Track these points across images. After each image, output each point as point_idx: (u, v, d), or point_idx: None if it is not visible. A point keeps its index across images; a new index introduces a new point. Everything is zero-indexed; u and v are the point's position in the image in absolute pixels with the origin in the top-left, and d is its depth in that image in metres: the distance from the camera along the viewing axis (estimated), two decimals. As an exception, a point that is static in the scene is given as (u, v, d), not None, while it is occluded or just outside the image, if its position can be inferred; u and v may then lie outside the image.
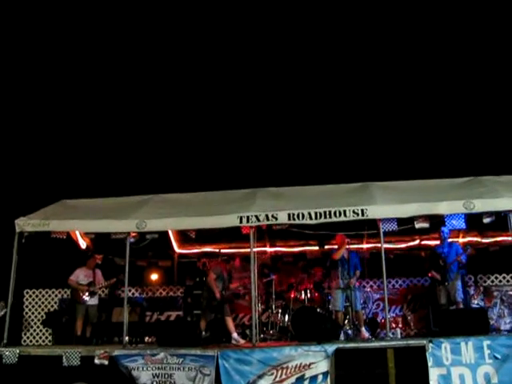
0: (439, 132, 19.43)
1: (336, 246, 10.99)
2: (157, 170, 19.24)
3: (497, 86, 19.24)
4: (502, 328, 11.39)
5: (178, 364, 8.91)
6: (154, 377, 8.91)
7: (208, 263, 12.64)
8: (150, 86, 21.49)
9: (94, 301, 11.28)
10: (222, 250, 12.50)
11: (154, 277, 13.81)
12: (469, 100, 19.37)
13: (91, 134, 20.13)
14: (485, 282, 12.24)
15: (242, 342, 10.35)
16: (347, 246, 10.83)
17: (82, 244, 11.47)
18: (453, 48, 20.40)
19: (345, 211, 9.68)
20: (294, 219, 9.77)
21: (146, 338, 11.65)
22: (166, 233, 11.90)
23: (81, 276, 11.30)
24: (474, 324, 9.15)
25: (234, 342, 10.31)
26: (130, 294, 12.37)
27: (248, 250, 10.16)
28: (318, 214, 9.73)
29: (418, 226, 9.96)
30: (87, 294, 11.15)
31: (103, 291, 12.18)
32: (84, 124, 20.26)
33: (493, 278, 12.29)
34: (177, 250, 13.07)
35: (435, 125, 19.53)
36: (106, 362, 9.13)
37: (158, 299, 12.93)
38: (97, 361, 9.16)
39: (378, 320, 11.78)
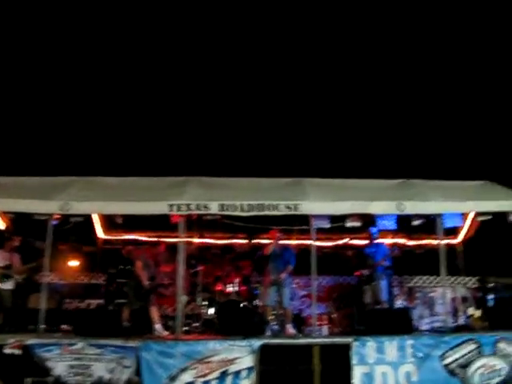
0: (371, 133, 19.67)
1: (268, 241, 10.85)
2: (86, 152, 18.55)
3: (430, 92, 19.67)
4: (422, 328, 11.60)
5: (97, 355, 8.53)
6: (70, 368, 8.49)
7: (133, 251, 12.21)
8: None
9: (8, 285, 10.68)
10: (149, 239, 12.10)
11: (76, 262, 13.26)
12: (403, 105, 19.71)
13: (19, 109, 19.21)
14: (409, 282, 12.44)
15: (164, 333, 10.05)
16: (280, 242, 10.70)
17: (1, 225, 10.84)
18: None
19: (278, 205, 9.57)
20: (225, 210, 9.56)
21: (64, 327, 11.12)
22: (91, 217, 11.44)
23: None
24: (398, 323, 9.32)
25: (156, 332, 10.01)
26: (48, 280, 11.86)
27: (175, 239, 9.91)
28: (251, 207, 9.55)
29: (349, 224, 10.01)
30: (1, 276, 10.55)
31: (20, 276, 11.54)
32: (13, 100, 19.30)
33: (416, 279, 12.50)
34: (101, 235, 12.59)
35: (368, 126, 19.77)
36: (19, 352, 8.60)
37: (78, 286, 12.40)
38: (8, 350, 8.61)
39: (303, 316, 11.76)
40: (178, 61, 21.05)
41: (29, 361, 8.60)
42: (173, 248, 10.45)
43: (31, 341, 8.72)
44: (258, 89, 20.71)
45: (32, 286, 11.04)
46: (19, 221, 10.39)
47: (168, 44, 21.27)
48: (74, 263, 13.27)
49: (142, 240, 12.54)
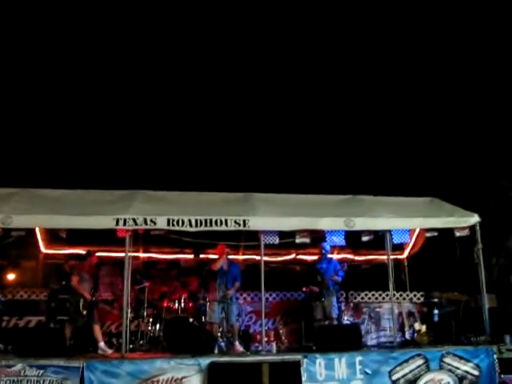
0: (319, 149, 19.80)
1: (214, 256, 10.72)
2: (29, 163, 17.95)
3: (378, 107, 19.96)
4: (369, 343, 11.69)
5: (38, 376, 8.11)
6: (8, 391, 8.10)
7: (76, 265, 11.85)
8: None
9: None
10: (96, 254, 11.73)
11: (14, 277, 12.77)
12: (350, 120, 19.94)
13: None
14: (355, 298, 12.51)
15: (109, 351, 9.77)
16: (227, 257, 10.60)
17: None
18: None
19: (226, 220, 9.44)
20: (173, 225, 9.37)
21: (1, 346, 10.65)
22: (33, 231, 11.05)
23: None
24: (348, 340, 9.34)
25: (100, 351, 9.71)
26: (-15, 296, 11.39)
27: (121, 254, 9.69)
28: (199, 222, 9.40)
29: (298, 240, 9.97)
30: None
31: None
32: None
33: (363, 294, 12.58)
34: (43, 249, 12.17)
35: (315, 141, 19.89)
36: None
37: (17, 302, 11.89)
38: None
39: (250, 333, 11.64)
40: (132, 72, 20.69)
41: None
42: (118, 263, 10.19)
43: (-34, 362, 8.28)
44: (209, 101, 20.60)
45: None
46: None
47: (144, 49, 20.87)
48: (12, 278, 12.77)
49: (84, 254, 12.16)
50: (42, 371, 8.18)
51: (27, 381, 8.14)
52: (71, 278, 10.19)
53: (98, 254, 11.02)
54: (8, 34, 19.16)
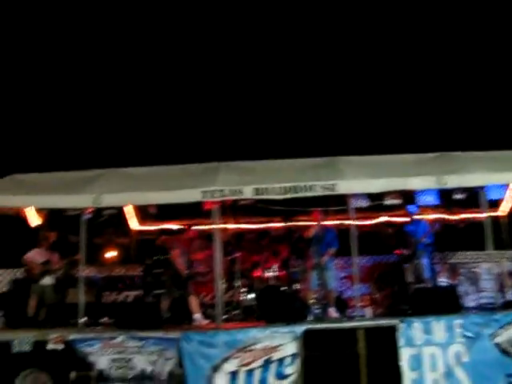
0: (405, 106, 19.09)
1: (304, 223, 10.61)
2: (112, 143, 18.42)
3: (464, 63, 19.03)
4: (468, 305, 11.25)
5: (138, 348, 8.42)
6: (112, 361, 8.42)
7: (168, 240, 12.09)
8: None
9: (49, 281, 10.66)
10: (183, 227, 11.91)
11: (112, 255, 13.17)
12: (436, 76, 19.14)
13: (40, 105, 19.15)
14: (451, 258, 12.10)
15: (204, 322, 9.92)
16: (322, 223, 10.43)
17: (34, 221, 10.77)
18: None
19: (313, 186, 9.26)
20: (260, 194, 9.31)
21: (104, 320, 11.08)
22: (124, 209, 11.34)
23: (36, 255, 10.64)
24: (445, 302, 8.98)
25: (196, 322, 9.88)
26: (86, 274, 11.82)
27: (210, 226, 9.72)
28: (286, 189, 9.29)
29: (388, 202, 9.68)
30: (42, 272, 10.53)
31: (59, 271, 11.54)
32: (29, 95, 19.24)
33: (459, 255, 12.15)
34: (135, 226, 12.48)
35: (400, 99, 19.19)
36: (61, 347, 8.58)
37: (115, 278, 12.38)
38: (50, 346, 8.60)
39: (344, 298, 11.52)
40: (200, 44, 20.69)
41: (72, 355, 8.55)
42: (208, 235, 10.28)
43: (72, 336, 8.69)
44: (284, 66, 20.32)
45: (70, 281, 10.99)
46: (53, 216, 10.34)
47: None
48: (110, 255, 13.18)
49: (175, 229, 12.39)
50: (142, 343, 8.46)
51: (130, 351, 8.46)
52: (171, 251, 10.44)
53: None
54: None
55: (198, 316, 10.00)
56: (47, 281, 10.60)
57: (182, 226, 11.41)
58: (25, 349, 8.72)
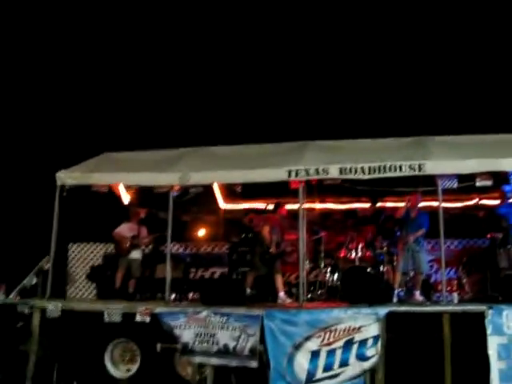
0: (494, 81, 18.12)
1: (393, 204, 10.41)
2: (200, 122, 18.70)
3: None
4: None
5: (222, 323, 8.61)
6: (196, 335, 8.67)
7: (255, 219, 12.20)
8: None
9: (137, 255, 11.06)
10: (269, 206, 11.97)
11: (199, 232, 13.44)
12: None
13: (133, 85, 19.67)
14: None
15: (288, 301, 9.98)
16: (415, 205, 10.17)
17: (125, 198, 11.17)
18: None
19: (401, 166, 9.04)
20: (345, 173, 9.20)
21: (190, 295, 11.39)
22: (211, 187, 11.53)
23: (126, 230, 11.08)
24: (538, 290, 8.56)
25: (280, 300, 9.95)
26: (173, 250, 12.14)
27: (296, 206, 9.72)
28: (372, 169, 9.12)
29: (479, 183, 9.28)
30: (131, 246, 10.93)
31: (147, 246, 11.93)
32: (124, 76, 19.76)
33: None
34: (222, 205, 12.68)
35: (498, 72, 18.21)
36: (148, 319, 8.92)
37: (202, 255, 12.65)
38: (138, 317, 8.95)
39: (431, 282, 11.24)
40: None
41: (159, 328, 8.86)
42: (294, 215, 10.28)
43: (159, 309, 9.00)
44: (364, 43, 19.82)
45: (158, 257, 11.35)
46: (143, 193, 10.68)
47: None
48: (200, 233, 13.45)
49: (263, 208, 12.48)
50: (225, 318, 8.64)
51: (212, 327, 8.66)
52: (263, 227, 10.54)
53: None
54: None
55: (282, 294, 10.06)
56: (135, 255, 11.00)
57: (271, 204, 11.42)
58: (115, 319, 9.12)
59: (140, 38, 20.32)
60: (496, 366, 7.89)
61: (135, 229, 11.13)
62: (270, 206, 12.04)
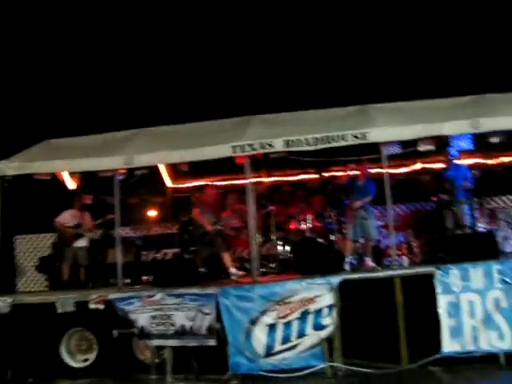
0: (437, 47, 18.39)
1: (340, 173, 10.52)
2: (142, 103, 18.37)
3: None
4: (508, 250, 11.05)
5: (177, 304, 8.56)
6: (152, 319, 8.60)
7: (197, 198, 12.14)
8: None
9: (82, 243, 10.87)
10: (217, 183, 11.92)
11: (148, 214, 13.32)
12: (470, 14, 18.36)
13: (70, 69, 19.16)
14: (489, 204, 11.84)
15: (240, 273, 10.03)
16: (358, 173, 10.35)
17: (70, 184, 10.95)
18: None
19: (344, 135, 9.05)
20: (290, 146, 9.18)
21: (144, 278, 11.28)
22: (157, 168, 11.40)
23: (68, 218, 10.85)
24: (483, 248, 8.77)
25: (232, 276, 9.97)
26: (123, 234, 11.99)
27: (243, 181, 9.70)
28: (317, 140, 9.11)
29: (422, 148, 9.49)
30: (74, 236, 10.73)
31: (92, 232, 11.75)
32: (61, 59, 19.23)
33: (498, 199, 11.89)
34: (169, 184, 12.57)
35: (432, 40, 18.48)
36: (102, 307, 8.82)
37: (153, 237, 12.55)
38: (92, 305, 8.85)
39: (381, 247, 11.44)
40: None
41: (113, 314, 8.77)
42: (242, 190, 10.27)
43: (112, 295, 8.89)
44: (311, 17, 19.77)
45: (109, 242, 11.19)
46: (88, 179, 10.48)
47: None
48: (146, 215, 13.32)
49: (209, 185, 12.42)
50: (180, 299, 8.59)
51: (168, 308, 8.61)
52: (193, 209, 10.48)
53: (219, 183, 11.09)
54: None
55: (232, 270, 10.10)
56: (80, 243, 10.81)
57: (204, 183, 11.37)
58: (68, 309, 8.98)
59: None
60: (446, 323, 8.14)
61: (78, 216, 10.91)
62: (219, 183, 12.03)
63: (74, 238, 10.74)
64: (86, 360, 9.27)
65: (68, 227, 10.74)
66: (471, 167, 11.04)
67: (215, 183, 11.36)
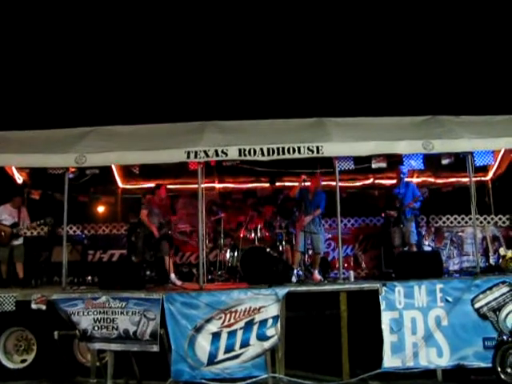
0: (396, 68, 18.78)
1: (291, 184, 10.58)
2: (98, 101, 18.11)
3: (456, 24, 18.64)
4: (451, 268, 11.36)
5: (121, 308, 8.43)
6: (95, 321, 8.43)
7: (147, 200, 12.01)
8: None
9: (18, 241, 10.47)
10: (169, 186, 11.79)
11: (97, 213, 13.10)
12: (428, 35, 18.79)
13: (26, 60, 18.75)
14: (436, 222, 12.11)
15: (178, 283, 9.95)
16: (305, 185, 10.36)
17: (19, 179, 10.64)
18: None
19: (299, 148, 9.12)
20: (245, 155, 9.17)
21: (89, 278, 11.06)
22: (109, 167, 11.23)
23: (4, 215, 10.39)
24: (428, 267, 9.02)
25: (170, 284, 9.90)
26: (70, 232, 11.80)
27: (195, 186, 9.65)
28: (271, 151, 9.14)
29: (375, 165, 9.65)
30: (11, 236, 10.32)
31: (41, 229, 11.47)
32: (15, 50, 18.83)
33: (444, 218, 12.17)
34: (120, 185, 12.40)
35: (392, 60, 18.87)
36: (44, 307, 8.57)
37: (100, 237, 12.31)
38: (34, 305, 8.59)
39: (329, 260, 11.55)
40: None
41: (56, 314, 8.56)
42: (195, 195, 10.21)
43: (55, 296, 8.66)
44: (271, 28, 19.88)
45: (55, 239, 10.93)
46: (37, 174, 10.23)
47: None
48: (95, 213, 13.10)
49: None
50: (124, 303, 8.46)
51: (112, 312, 8.46)
52: (141, 211, 10.39)
53: (171, 186, 11.00)
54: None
55: (172, 276, 10.07)
56: (15, 242, 10.41)
57: (155, 185, 11.23)
58: (8, 308, 8.72)
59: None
60: (388, 339, 8.33)
61: (15, 213, 10.47)
62: (171, 186, 11.92)
63: (10, 239, 10.32)
64: (23, 361, 9.01)
65: (4, 225, 10.33)
66: (421, 186, 11.23)
67: (167, 186, 11.18)
